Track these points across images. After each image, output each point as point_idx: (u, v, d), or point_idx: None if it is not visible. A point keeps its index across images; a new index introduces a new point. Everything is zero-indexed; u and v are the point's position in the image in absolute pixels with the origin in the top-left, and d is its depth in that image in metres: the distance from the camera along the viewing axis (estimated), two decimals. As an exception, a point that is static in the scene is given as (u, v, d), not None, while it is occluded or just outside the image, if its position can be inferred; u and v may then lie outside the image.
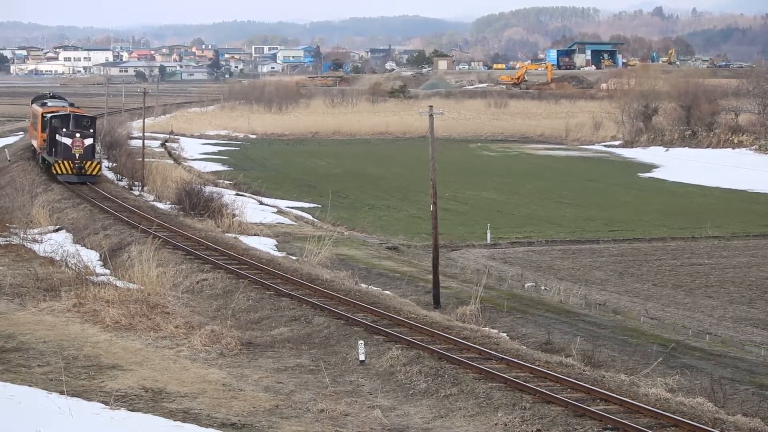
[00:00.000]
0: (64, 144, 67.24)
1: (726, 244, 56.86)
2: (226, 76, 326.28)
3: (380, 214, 67.29)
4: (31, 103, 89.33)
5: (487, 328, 34.25)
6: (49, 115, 70.00)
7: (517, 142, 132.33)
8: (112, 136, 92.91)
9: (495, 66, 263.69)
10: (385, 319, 33.71)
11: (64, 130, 67.69)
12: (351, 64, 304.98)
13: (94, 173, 67.56)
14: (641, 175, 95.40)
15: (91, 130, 68.47)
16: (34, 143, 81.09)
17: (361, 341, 30.27)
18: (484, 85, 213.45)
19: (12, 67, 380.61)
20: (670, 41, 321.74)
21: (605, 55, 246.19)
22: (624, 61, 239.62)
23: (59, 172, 66.57)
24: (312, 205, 69.56)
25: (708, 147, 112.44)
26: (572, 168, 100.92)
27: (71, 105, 79.06)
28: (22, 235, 50.43)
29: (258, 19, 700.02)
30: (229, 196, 63.64)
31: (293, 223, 60.65)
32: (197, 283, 40.64)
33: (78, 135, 67.00)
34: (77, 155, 67.10)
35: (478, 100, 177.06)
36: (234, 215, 57.67)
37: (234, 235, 52.35)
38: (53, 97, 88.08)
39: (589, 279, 46.74)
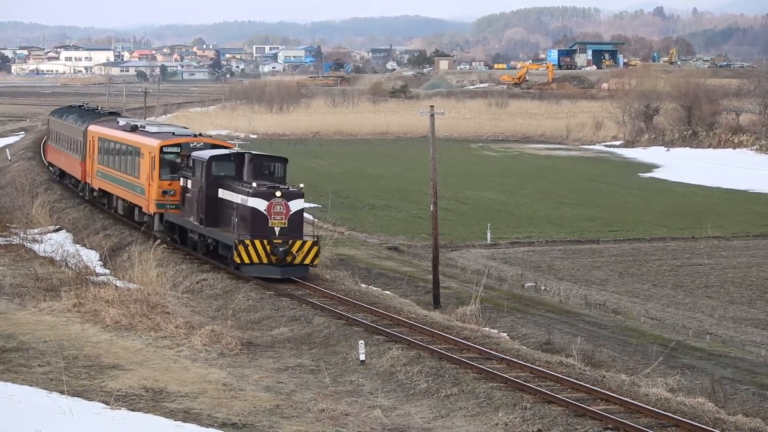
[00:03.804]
0: (252, 211, 38.67)
1: (726, 245, 56.85)
2: (227, 76, 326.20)
3: (380, 214, 67.30)
4: (67, 116, 67.07)
5: (487, 328, 34.26)
6: (203, 158, 42.08)
7: (518, 142, 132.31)
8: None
9: (496, 66, 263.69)
10: (386, 319, 33.72)
11: (243, 184, 39.94)
12: (352, 64, 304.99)
13: (307, 261, 38.97)
14: (642, 175, 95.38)
15: (296, 187, 40.27)
16: (91, 180, 57.15)
17: (362, 341, 30.28)
18: (485, 85, 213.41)
19: (13, 67, 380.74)
20: (671, 41, 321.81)
21: (606, 55, 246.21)
22: (625, 61, 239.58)
23: (244, 260, 38.44)
24: (312, 205, 69.59)
25: (709, 147, 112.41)
26: (573, 168, 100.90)
27: (197, 135, 48.50)
28: (22, 235, 50.44)
29: (259, 19, 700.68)
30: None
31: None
32: (197, 283, 40.63)
33: (279, 195, 38.75)
34: (277, 230, 38.86)
35: (478, 100, 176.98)
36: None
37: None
38: (113, 113, 66.33)
39: (589, 279, 46.73)
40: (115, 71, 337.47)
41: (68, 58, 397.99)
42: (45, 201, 60.95)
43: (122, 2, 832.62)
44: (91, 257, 46.03)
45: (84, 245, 49.69)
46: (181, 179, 44.35)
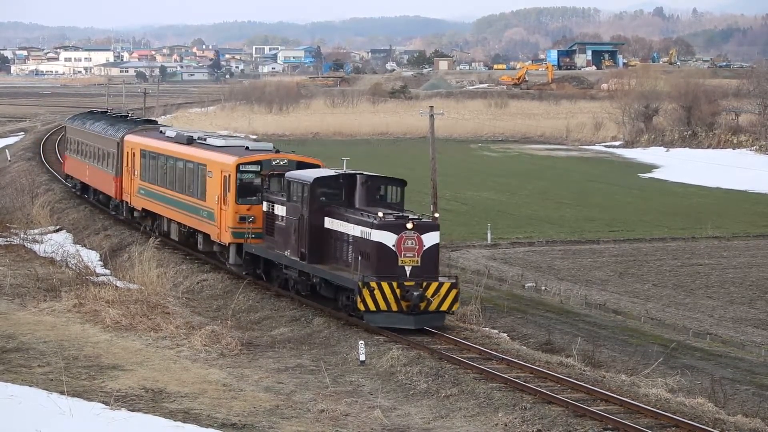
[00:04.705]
0: (377, 246, 31.82)
1: (726, 245, 56.82)
2: (227, 76, 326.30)
3: (381, 214, 67.13)
4: (99, 122, 59.02)
5: (487, 329, 34.27)
6: (305, 180, 35.07)
7: (518, 143, 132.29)
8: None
9: (495, 66, 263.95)
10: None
11: (362, 213, 33.31)
12: (352, 64, 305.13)
13: (444, 308, 32.29)
14: (641, 176, 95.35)
15: (431, 217, 34.61)
16: (130, 199, 50.74)
17: (362, 341, 30.28)
18: (485, 85, 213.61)
19: (13, 68, 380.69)
20: (670, 41, 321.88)
21: (606, 56, 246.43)
22: (624, 61, 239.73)
23: (369, 307, 31.56)
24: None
25: (708, 147, 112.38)
26: (573, 168, 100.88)
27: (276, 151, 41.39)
28: (22, 235, 50.42)
29: (258, 19, 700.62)
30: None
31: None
32: (197, 283, 40.65)
33: (410, 228, 31.93)
34: (408, 270, 32.02)
35: (478, 100, 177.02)
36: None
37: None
38: (149, 121, 60.38)
39: (589, 279, 46.72)
40: (115, 72, 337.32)
41: (68, 59, 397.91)
42: (45, 201, 60.95)
43: (122, 2, 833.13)
44: (91, 257, 46.03)
45: (84, 245, 49.71)
46: (265, 204, 37.37)
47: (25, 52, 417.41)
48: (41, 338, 30.36)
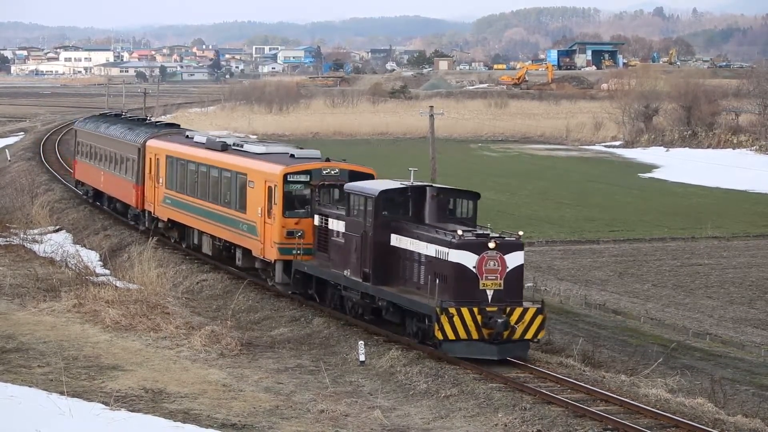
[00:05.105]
0: (456, 268, 28.82)
1: (726, 245, 56.86)
2: (227, 76, 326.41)
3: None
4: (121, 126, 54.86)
5: (487, 329, 34.18)
6: (369, 192, 31.87)
7: (518, 143, 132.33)
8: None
9: (495, 66, 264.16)
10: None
11: (438, 230, 30.14)
12: (351, 64, 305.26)
13: (529, 336, 29.19)
14: (641, 176, 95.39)
15: (514, 235, 30.06)
16: (154, 208, 47.40)
17: (362, 342, 30.27)
18: (485, 85, 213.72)
19: (13, 68, 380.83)
20: (670, 41, 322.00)
21: (606, 56, 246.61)
22: (624, 61, 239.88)
23: (448, 336, 28.50)
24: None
25: (708, 147, 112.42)
26: (572, 168, 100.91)
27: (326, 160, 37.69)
28: (22, 235, 50.40)
29: (258, 19, 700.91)
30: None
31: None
32: (197, 283, 40.63)
33: (492, 247, 28.87)
34: (490, 294, 28.91)
35: (478, 100, 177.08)
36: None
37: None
38: (171, 125, 55.64)
39: (589, 279, 46.74)
40: (115, 72, 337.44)
41: (68, 59, 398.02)
42: (45, 201, 60.95)
43: (122, 2, 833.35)
44: (91, 257, 46.01)
45: (84, 245, 49.68)
46: (317, 217, 34.38)
47: (25, 52, 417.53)
48: (41, 338, 30.35)
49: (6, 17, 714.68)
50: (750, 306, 42.21)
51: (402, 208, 31.53)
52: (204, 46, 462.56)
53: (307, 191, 35.65)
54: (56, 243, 49.09)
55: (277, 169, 36.29)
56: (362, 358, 29.67)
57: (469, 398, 26.41)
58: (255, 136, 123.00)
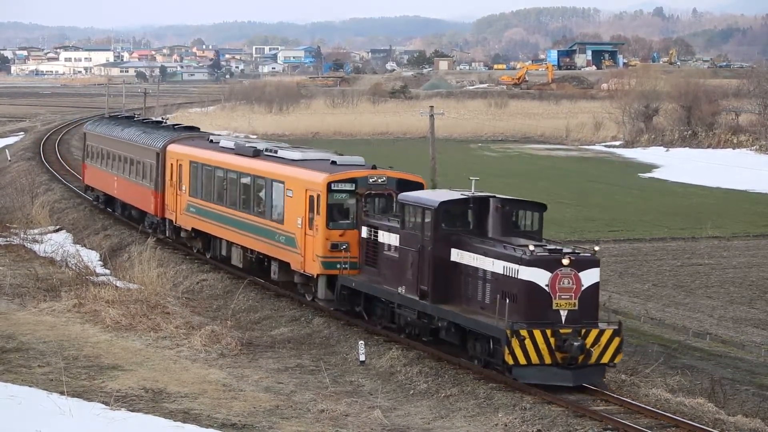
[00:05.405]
0: (527, 286, 26.72)
1: (726, 245, 56.85)
2: (227, 76, 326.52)
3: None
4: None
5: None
6: (427, 204, 29.69)
7: (518, 143, 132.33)
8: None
9: (496, 66, 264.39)
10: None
11: (504, 245, 28.08)
12: (352, 64, 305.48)
13: (605, 360, 26.97)
14: (642, 176, 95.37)
15: (589, 251, 27.94)
16: (176, 217, 45.09)
17: (362, 341, 30.27)
18: (485, 85, 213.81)
19: (13, 68, 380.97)
20: (670, 41, 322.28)
21: (606, 56, 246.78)
22: (625, 61, 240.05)
23: (519, 361, 26.35)
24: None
25: (708, 147, 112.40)
26: (573, 168, 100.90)
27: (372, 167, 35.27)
28: (22, 235, 50.41)
29: (258, 19, 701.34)
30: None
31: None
32: (197, 283, 40.63)
33: (566, 264, 26.73)
34: (564, 315, 26.82)
35: (478, 100, 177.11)
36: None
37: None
38: (190, 128, 52.97)
39: (589, 279, 46.66)
40: (115, 72, 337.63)
41: (68, 59, 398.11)
42: (45, 201, 60.97)
43: (122, 2, 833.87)
44: (91, 257, 46.01)
45: (84, 245, 49.69)
46: (364, 229, 32.45)
47: (25, 52, 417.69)
48: (41, 338, 30.35)
49: (6, 17, 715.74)
50: (750, 306, 42.21)
51: (463, 220, 29.51)
52: (204, 46, 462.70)
53: (352, 201, 33.50)
54: (56, 243, 49.10)
55: (320, 177, 33.96)
56: (362, 357, 29.67)
57: (469, 398, 26.41)
58: (255, 136, 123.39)
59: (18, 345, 29.47)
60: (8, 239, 49.34)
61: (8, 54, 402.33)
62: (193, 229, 43.50)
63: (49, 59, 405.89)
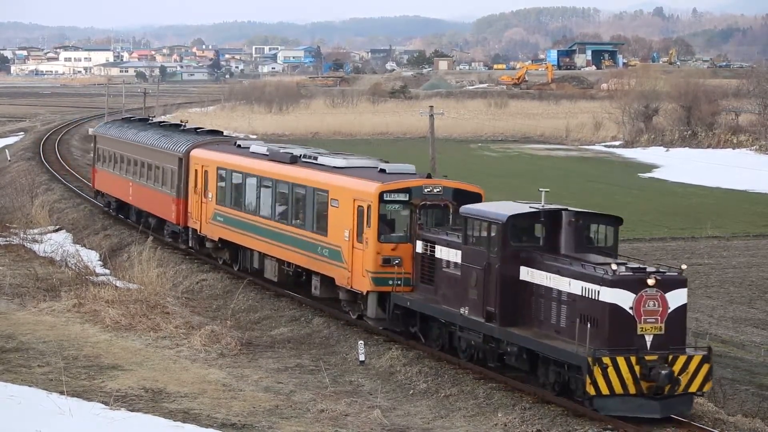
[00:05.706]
0: (610, 309, 24.41)
1: (726, 244, 56.87)
2: (227, 76, 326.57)
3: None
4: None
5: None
6: (495, 218, 27.40)
7: (518, 143, 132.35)
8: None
9: (495, 66, 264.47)
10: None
11: (583, 264, 25.78)
12: (351, 64, 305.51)
13: (693, 389, 24.77)
14: (641, 176, 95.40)
15: (676, 270, 25.69)
16: (200, 226, 42.63)
17: (361, 341, 30.27)
18: (485, 85, 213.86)
19: (12, 68, 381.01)
20: (670, 41, 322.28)
21: (606, 56, 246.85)
22: (624, 61, 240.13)
23: (602, 391, 24.14)
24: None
25: (708, 147, 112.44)
26: (572, 168, 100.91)
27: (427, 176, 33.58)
28: (22, 235, 50.41)
29: (258, 19, 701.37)
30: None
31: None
32: (197, 283, 40.63)
33: (652, 284, 24.49)
34: (649, 340, 24.66)
35: (478, 100, 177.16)
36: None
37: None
38: (214, 132, 49.88)
39: (589, 279, 46.70)
40: (115, 72, 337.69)
41: (68, 59, 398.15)
42: (45, 201, 60.96)
43: (122, 2, 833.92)
44: (91, 257, 46.02)
45: (84, 245, 49.68)
46: (419, 243, 30.17)
47: (25, 52, 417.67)
48: (41, 338, 30.34)
49: (6, 17, 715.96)
50: (750, 306, 42.23)
51: (533, 235, 27.26)
52: (204, 46, 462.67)
53: (405, 212, 31.12)
54: (56, 243, 49.10)
55: (371, 187, 31.48)
56: (362, 357, 29.67)
57: (468, 398, 26.41)
58: (255, 136, 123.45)
59: (18, 345, 29.47)
60: (8, 239, 49.35)
61: (8, 54, 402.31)
62: (220, 239, 41.15)
63: (49, 59, 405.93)
